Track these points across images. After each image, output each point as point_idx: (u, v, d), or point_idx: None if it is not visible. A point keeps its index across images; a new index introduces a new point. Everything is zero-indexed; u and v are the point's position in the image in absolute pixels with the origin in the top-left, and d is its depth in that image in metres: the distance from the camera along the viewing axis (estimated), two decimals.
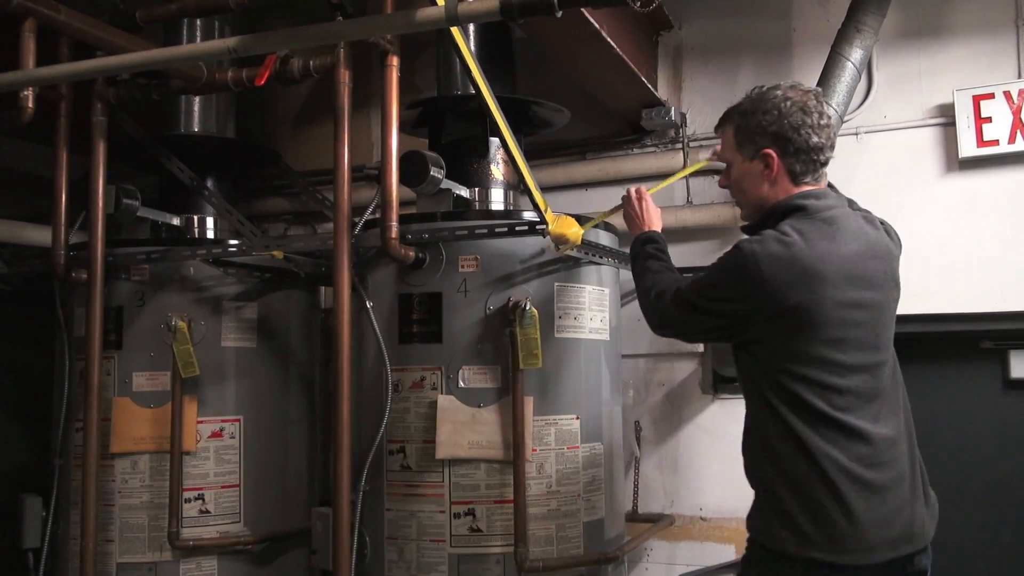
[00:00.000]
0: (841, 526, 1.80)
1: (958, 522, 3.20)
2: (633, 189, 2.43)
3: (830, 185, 2.10)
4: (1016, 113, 2.96)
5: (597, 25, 2.63)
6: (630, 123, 3.45)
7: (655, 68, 3.46)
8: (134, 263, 2.94)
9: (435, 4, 1.78)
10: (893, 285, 2.01)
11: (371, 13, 2.60)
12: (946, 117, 3.10)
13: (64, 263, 2.89)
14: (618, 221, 3.09)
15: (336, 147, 2.52)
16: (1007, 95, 2.98)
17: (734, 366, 2.05)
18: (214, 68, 2.71)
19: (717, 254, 3.07)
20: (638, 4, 1.62)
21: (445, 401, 2.52)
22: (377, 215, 2.54)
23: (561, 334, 2.60)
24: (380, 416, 2.57)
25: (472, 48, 2.50)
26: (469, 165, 2.85)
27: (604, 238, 2.82)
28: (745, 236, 2.02)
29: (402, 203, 2.52)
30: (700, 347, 3.31)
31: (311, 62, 2.54)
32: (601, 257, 2.66)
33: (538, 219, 2.40)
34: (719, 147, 2.17)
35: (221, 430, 2.95)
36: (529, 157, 2.48)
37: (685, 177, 3.37)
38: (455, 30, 2.01)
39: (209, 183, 3.20)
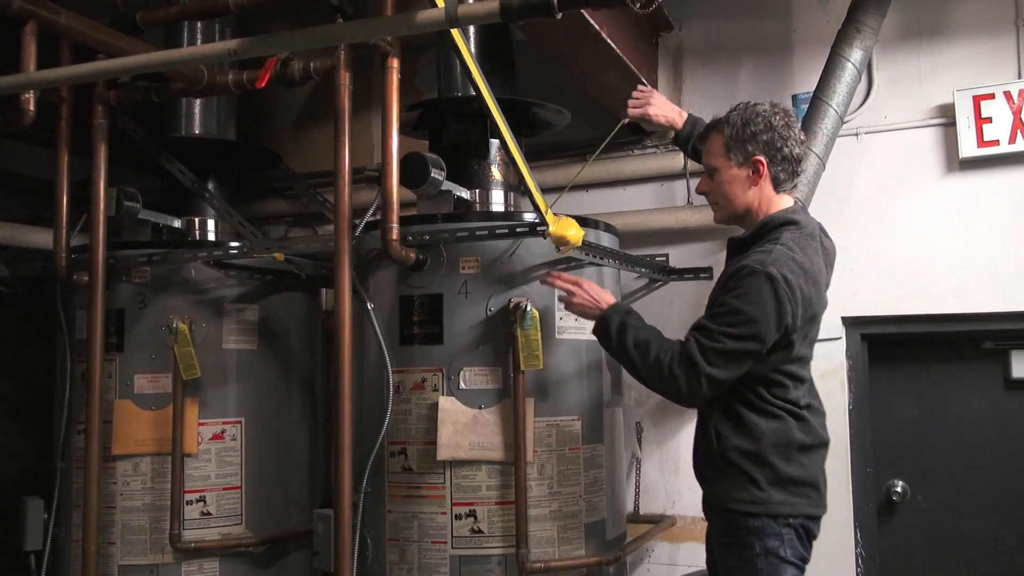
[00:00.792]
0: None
1: (959, 522, 3.20)
2: (567, 285, 2.34)
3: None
4: (1016, 113, 2.96)
5: (597, 26, 2.64)
6: (630, 124, 3.45)
7: (655, 69, 3.46)
8: (135, 265, 2.94)
9: (435, 6, 1.78)
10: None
11: (371, 15, 2.60)
12: (946, 117, 3.10)
13: (65, 265, 2.89)
14: (619, 221, 3.12)
15: (336, 149, 2.52)
16: (1007, 95, 2.98)
17: None
18: (215, 70, 2.71)
19: (717, 255, 3.07)
20: (638, 5, 1.62)
21: (446, 402, 2.52)
22: (378, 217, 2.54)
23: (562, 335, 2.60)
24: (381, 417, 2.58)
25: (472, 50, 2.50)
26: (470, 167, 2.85)
27: (605, 239, 2.82)
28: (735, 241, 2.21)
29: (403, 205, 2.52)
30: None
31: (312, 64, 2.54)
32: (602, 258, 2.66)
33: (539, 220, 2.40)
34: (637, 108, 2.51)
35: (222, 432, 2.96)
36: (529, 158, 2.48)
37: (687, 176, 3.38)
38: (455, 32, 2.01)
39: (210, 185, 3.21)
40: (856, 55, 2.96)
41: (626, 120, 2.64)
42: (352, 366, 2.49)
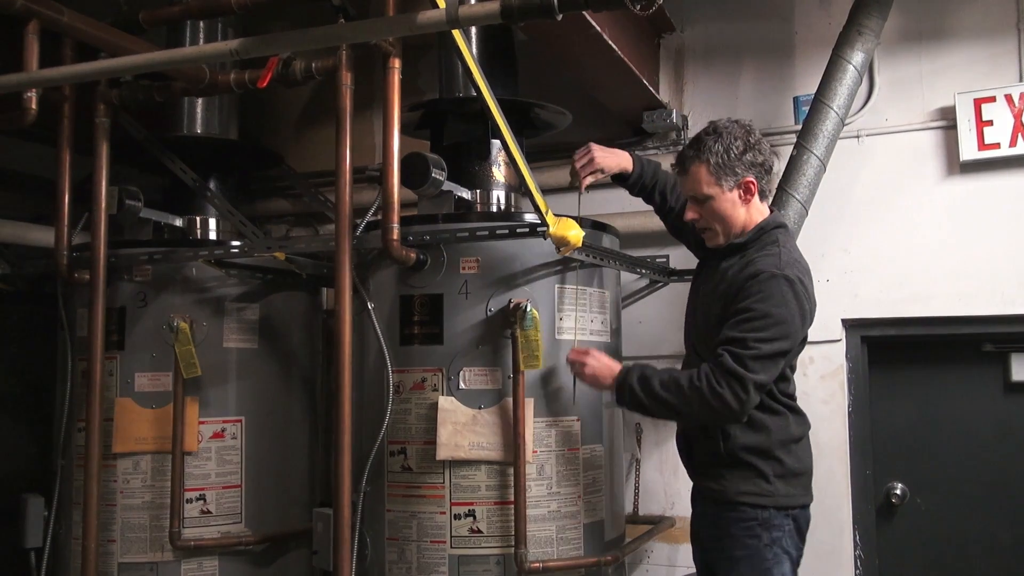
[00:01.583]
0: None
1: (958, 524, 3.20)
2: (578, 357, 2.40)
3: None
4: (1017, 116, 2.97)
5: (598, 28, 2.64)
6: (631, 125, 3.46)
7: (657, 70, 3.47)
8: (136, 264, 2.94)
9: (436, 7, 1.78)
10: None
11: (373, 15, 2.61)
12: (947, 120, 3.10)
13: (67, 264, 2.89)
14: (619, 222, 3.12)
15: (338, 149, 2.52)
16: (1008, 98, 2.98)
17: None
18: (217, 70, 2.71)
19: None
20: (638, 7, 1.62)
21: (446, 402, 2.52)
22: (378, 217, 2.55)
23: (562, 336, 2.60)
24: (381, 417, 2.58)
25: (473, 50, 2.51)
26: (470, 167, 2.85)
27: (605, 240, 2.83)
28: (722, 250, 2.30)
29: (404, 205, 2.52)
30: None
31: (313, 64, 2.55)
32: (602, 259, 2.66)
33: (539, 221, 2.41)
34: (589, 171, 2.48)
35: (223, 431, 2.96)
36: (530, 159, 2.48)
37: None
38: (456, 32, 2.01)
39: (211, 184, 3.21)
40: (857, 57, 2.96)
41: (585, 190, 2.55)
42: (352, 365, 2.50)
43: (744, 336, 2.09)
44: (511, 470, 2.46)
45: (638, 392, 2.21)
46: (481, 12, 1.78)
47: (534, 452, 2.51)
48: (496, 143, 2.84)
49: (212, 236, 3.24)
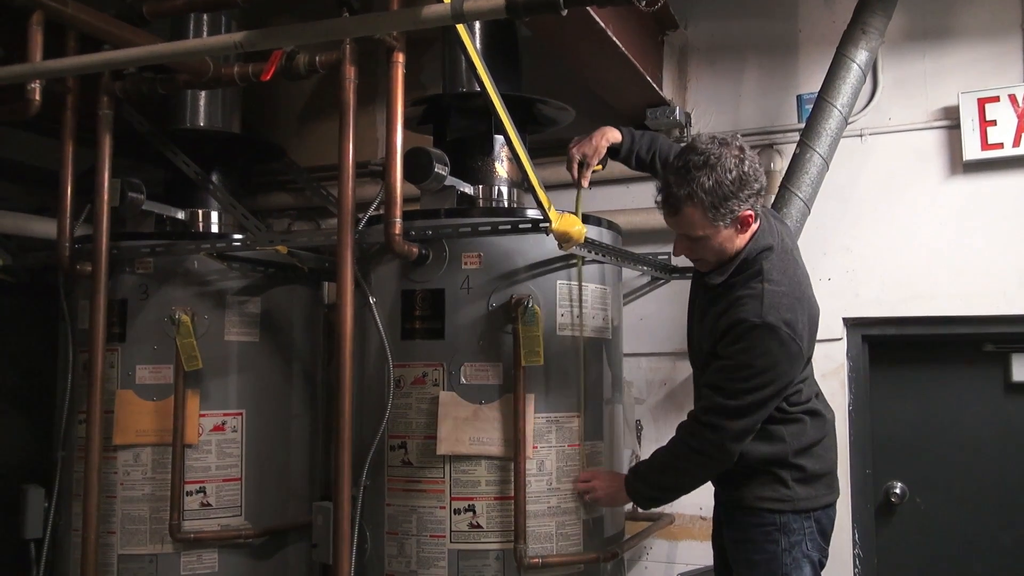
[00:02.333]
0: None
1: (957, 523, 3.21)
2: (583, 485, 2.51)
3: None
4: (1021, 116, 2.96)
5: (603, 24, 2.63)
6: (635, 122, 3.45)
7: (660, 68, 3.46)
8: (138, 256, 2.94)
9: (441, 1, 1.78)
10: None
11: (377, 10, 2.61)
12: (951, 120, 3.10)
13: (69, 255, 2.89)
14: (621, 219, 3.12)
15: (341, 143, 2.52)
16: (1012, 98, 2.98)
17: None
18: (220, 63, 2.71)
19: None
20: (643, 3, 1.62)
21: (447, 397, 2.52)
22: (381, 211, 2.55)
23: (563, 332, 2.60)
24: (382, 411, 2.58)
25: (477, 46, 2.50)
26: (473, 162, 2.85)
27: (607, 237, 2.83)
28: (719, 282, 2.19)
29: (406, 199, 2.52)
30: None
31: (317, 58, 2.54)
32: (604, 256, 2.66)
33: (542, 217, 2.41)
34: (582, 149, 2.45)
35: (223, 423, 2.96)
36: (534, 155, 2.48)
37: None
38: (460, 27, 2.01)
39: (214, 177, 3.21)
40: (861, 56, 2.96)
41: (587, 187, 2.58)
42: (353, 360, 2.49)
43: (725, 386, 2.10)
44: (511, 465, 2.46)
45: (648, 480, 2.33)
46: (486, 7, 1.78)
47: (534, 448, 2.52)
48: (499, 139, 2.84)
49: (214, 229, 3.24)
